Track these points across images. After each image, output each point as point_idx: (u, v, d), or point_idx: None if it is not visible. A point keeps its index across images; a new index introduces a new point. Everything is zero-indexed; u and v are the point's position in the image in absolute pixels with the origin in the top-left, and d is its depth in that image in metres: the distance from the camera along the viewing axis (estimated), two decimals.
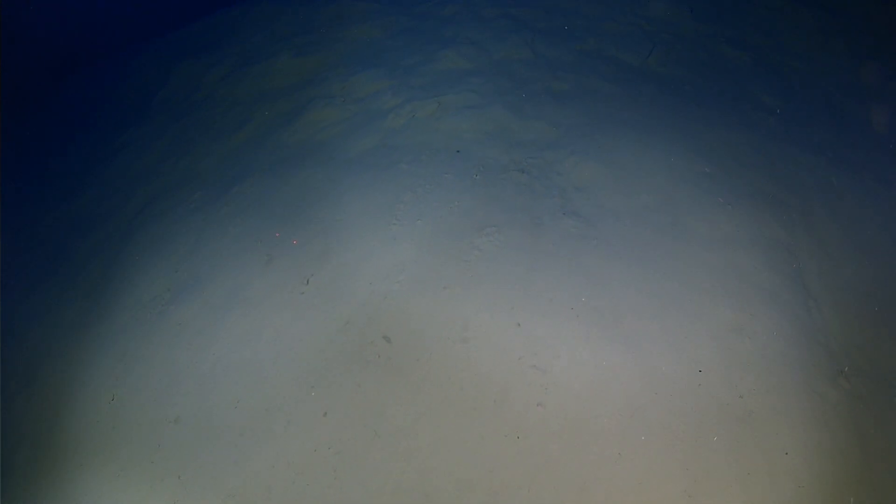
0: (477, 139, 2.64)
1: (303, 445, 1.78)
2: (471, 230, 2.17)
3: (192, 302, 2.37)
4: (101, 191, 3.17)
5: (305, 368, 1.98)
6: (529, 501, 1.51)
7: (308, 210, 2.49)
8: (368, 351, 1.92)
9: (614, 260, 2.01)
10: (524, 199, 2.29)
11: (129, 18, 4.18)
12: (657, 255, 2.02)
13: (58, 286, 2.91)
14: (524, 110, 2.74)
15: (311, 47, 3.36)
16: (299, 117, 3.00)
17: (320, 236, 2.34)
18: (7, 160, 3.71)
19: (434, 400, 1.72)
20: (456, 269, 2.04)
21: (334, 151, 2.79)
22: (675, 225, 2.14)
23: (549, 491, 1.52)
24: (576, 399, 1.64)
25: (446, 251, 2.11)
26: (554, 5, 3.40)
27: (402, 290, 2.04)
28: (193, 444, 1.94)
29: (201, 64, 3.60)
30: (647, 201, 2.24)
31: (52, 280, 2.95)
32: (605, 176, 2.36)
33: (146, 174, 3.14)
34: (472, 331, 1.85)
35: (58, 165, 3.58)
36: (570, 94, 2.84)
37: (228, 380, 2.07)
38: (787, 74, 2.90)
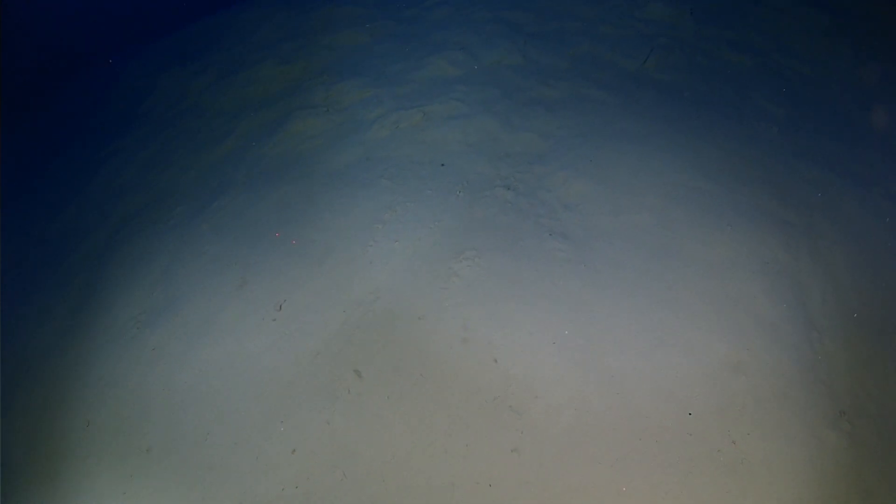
0: (462, 152, 2.48)
1: (270, 484, 1.68)
2: (450, 254, 2.03)
3: (167, 325, 2.27)
4: (86, 203, 3.07)
5: (276, 402, 1.87)
6: None
7: (284, 229, 2.36)
8: (339, 386, 1.80)
9: (601, 288, 1.85)
10: (508, 218, 2.13)
11: (119, 24, 4.04)
12: (648, 282, 1.86)
13: (43, 302, 2.82)
14: (512, 120, 2.57)
15: (297, 54, 3.20)
16: (282, 128, 2.86)
17: (295, 258, 2.21)
18: None
19: (404, 442, 1.59)
20: (432, 297, 1.90)
21: (316, 164, 2.65)
22: (668, 248, 1.97)
23: None
24: (553, 445, 1.50)
25: (423, 277, 1.97)
26: (548, 7, 3.18)
27: (375, 320, 1.91)
28: (164, 478, 1.84)
29: (187, 72, 3.46)
30: (640, 221, 2.06)
31: (38, 296, 2.87)
32: (595, 193, 2.19)
33: (129, 187, 3.03)
34: (446, 367, 1.71)
35: (46, 177, 3.49)
36: (562, 103, 2.65)
37: (199, 410, 1.97)
38: (792, 80, 2.68)
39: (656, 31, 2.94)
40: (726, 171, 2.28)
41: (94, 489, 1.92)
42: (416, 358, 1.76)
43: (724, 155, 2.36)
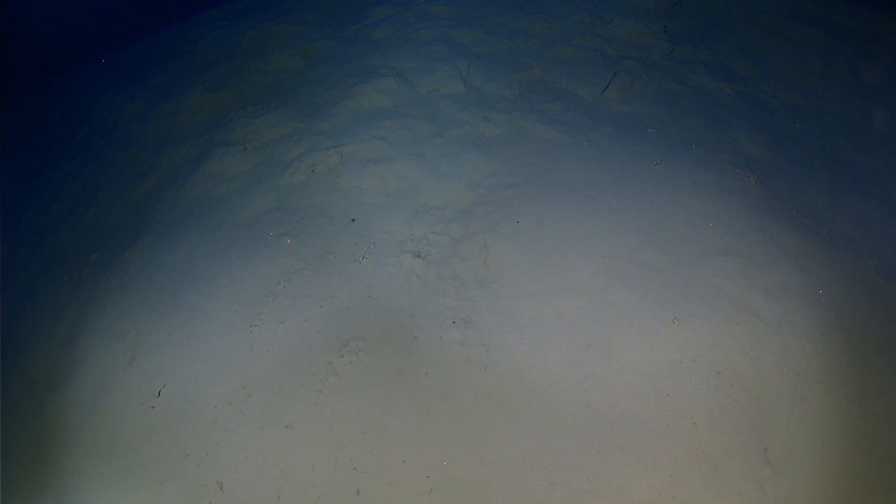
0: (377, 204, 2.06)
1: None
2: (334, 343, 1.65)
3: (65, 396, 2.02)
4: (15, 244, 2.82)
5: (146, 502, 1.60)
6: None
7: (180, 294, 2.03)
8: (202, 496, 1.49)
9: (500, 403, 1.44)
10: (410, 297, 1.72)
11: (69, 42, 3.72)
12: (559, 398, 1.43)
13: None
14: (439, 165, 2.12)
15: (226, 80, 2.80)
16: (200, 167, 2.50)
17: (181, 334, 1.88)
18: None
19: None
20: (304, 401, 1.54)
21: (227, 213, 2.28)
22: (593, 348, 1.52)
23: None
24: None
25: (300, 373, 1.61)
26: (501, 24, 2.65)
27: (244, 423, 1.58)
28: None
29: (121, 98, 3.12)
30: (564, 307, 1.62)
31: None
32: (517, 266, 1.74)
33: (56, 226, 2.76)
34: (304, 494, 1.36)
35: None
36: (500, 142, 2.18)
37: (83, 497, 1.74)
38: (778, 112, 2.11)
39: (622, 52, 2.38)
40: (685, 238, 1.78)
41: None
42: (278, 476, 1.42)
43: (685, 215, 1.86)
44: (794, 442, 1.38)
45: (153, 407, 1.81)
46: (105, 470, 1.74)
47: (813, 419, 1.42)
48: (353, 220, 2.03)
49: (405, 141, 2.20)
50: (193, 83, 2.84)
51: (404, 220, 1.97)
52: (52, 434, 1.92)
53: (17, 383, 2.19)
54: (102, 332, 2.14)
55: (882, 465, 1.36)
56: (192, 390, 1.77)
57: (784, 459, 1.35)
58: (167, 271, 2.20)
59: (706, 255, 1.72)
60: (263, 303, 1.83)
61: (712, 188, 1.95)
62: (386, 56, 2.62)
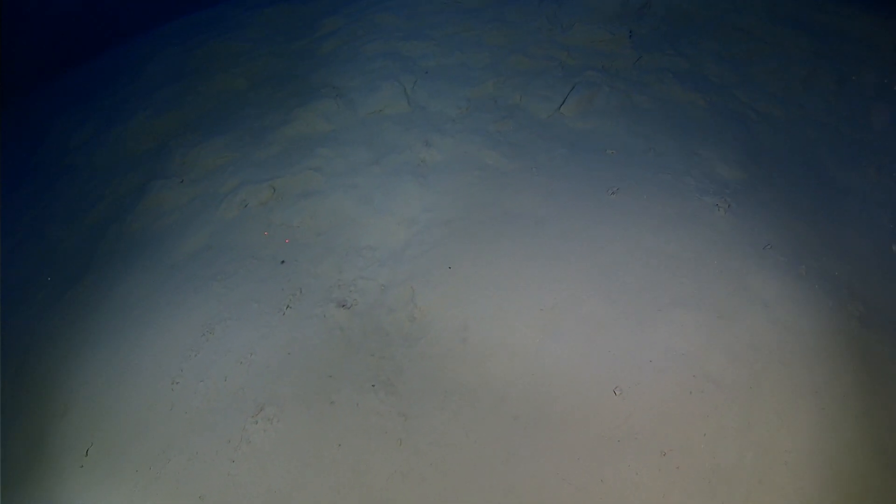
0: (306, 244, 1.86)
1: None
2: (249, 406, 1.48)
3: (6, 447, 1.95)
4: None
5: None
6: None
7: (113, 342, 1.89)
8: None
9: (413, 484, 1.25)
10: (331, 353, 1.54)
11: (27, 61, 3.56)
12: (481, 482, 1.24)
13: None
14: (374, 198, 1.90)
15: (170, 104, 2.61)
16: (140, 200, 2.34)
17: (112, 389, 1.75)
18: None
19: None
20: (218, 470, 1.39)
21: (163, 251, 2.12)
22: (519, 423, 1.32)
23: None
24: None
25: (216, 437, 1.46)
26: (453, 35, 2.37)
27: (160, 490, 1.45)
28: None
29: (73, 121, 2.97)
30: (493, 374, 1.41)
31: None
32: (445, 318, 1.54)
33: (9, 256, 2.66)
34: None
35: None
36: (440, 169, 1.94)
37: None
38: (756, 126, 1.81)
39: (583, 61, 2.09)
40: (637, 285, 1.54)
41: None
42: None
43: (640, 256, 1.61)
44: None
45: (82, 466, 1.70)
46: None
47: (775, 496, 1.20)
48: (283, 262, 1.84)
49: (340, 171, 1.99)
50: (138, 108, 2.66)
51: (334, 262, 1.77)
52: None
53: None
54: (40, 380, 2.02)
55: None
56: (117, 451, 1.65)
57: None
58: (104, 316, 2.06)
59: (660, 306, 1.48)
60: (186, 357, 1.68)
61: (675, 221, 1.69)
62: (329, 73, 2.38)
